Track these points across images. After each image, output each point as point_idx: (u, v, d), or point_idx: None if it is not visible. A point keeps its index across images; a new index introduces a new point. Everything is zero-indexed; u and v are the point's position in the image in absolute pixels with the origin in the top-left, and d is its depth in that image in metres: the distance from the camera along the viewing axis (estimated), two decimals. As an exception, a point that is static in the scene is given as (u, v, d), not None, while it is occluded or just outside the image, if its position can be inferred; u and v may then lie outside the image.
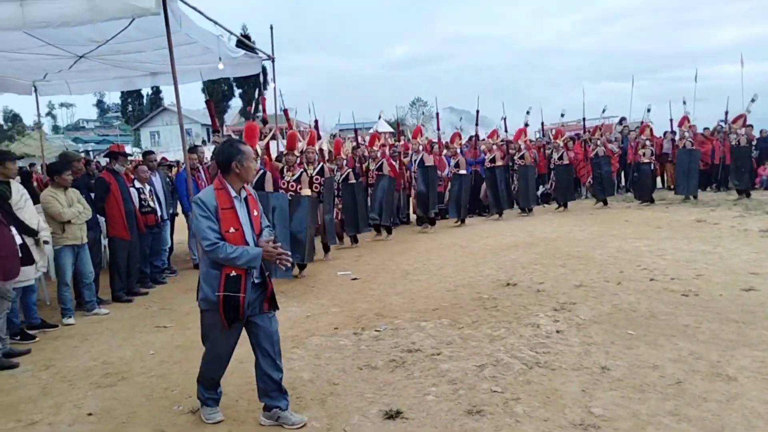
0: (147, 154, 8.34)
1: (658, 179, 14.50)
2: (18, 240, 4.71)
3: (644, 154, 12.12)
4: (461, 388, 3.64)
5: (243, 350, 4.29)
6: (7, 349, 4.69)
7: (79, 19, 5.21)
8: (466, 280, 6.47)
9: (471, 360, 4.09)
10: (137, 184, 7.15)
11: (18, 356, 4.72)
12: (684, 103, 12.77)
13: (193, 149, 8.24)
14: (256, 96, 9.29)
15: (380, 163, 10.12)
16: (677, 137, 12.90)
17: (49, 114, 76.03)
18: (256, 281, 3.21)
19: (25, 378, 4.30)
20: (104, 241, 7.01)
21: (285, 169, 7.48)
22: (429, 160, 10.34)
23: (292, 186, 7.34)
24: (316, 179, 7.79)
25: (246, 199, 3.23)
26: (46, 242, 5.37)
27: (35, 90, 9.51)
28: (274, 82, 10.89)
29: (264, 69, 10.40)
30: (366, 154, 10.52)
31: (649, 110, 13.60)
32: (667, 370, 3.71)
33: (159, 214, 7.40)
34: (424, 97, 57.78)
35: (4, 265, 4.45)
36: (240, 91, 41.62)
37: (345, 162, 9.42)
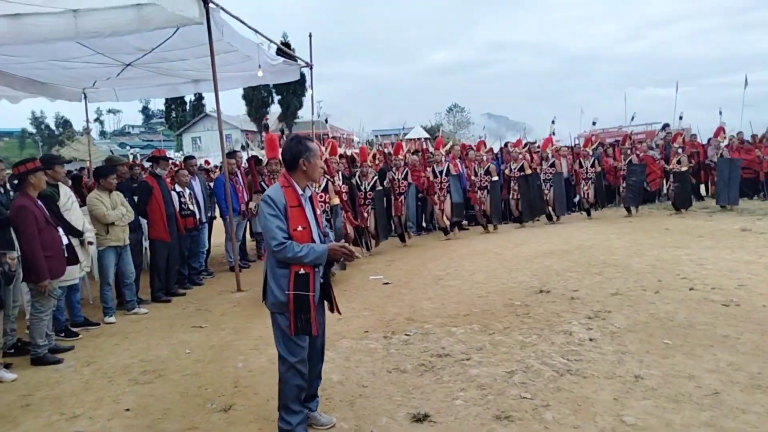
0: (188, 158, 8.60)
1: (702, 187, 14.03)
2: (65, 240, 4.93)
3: (680, 162, 11.78)
4: (490, 394, 3.62)
5: (275, 350, 4.37)
6: (52, 345, 4.91)
7: (127, 29, 5.46)
8: (498, 286, 6.41)
9: (501, 366, 4.07)
10: (178, 188, 7.38)
11: (62, 352, 4.93)
12: (720, 113, 12.35)
13: (231, 154, 8.45)
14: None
15: (405, 172, 9.98)
16: (712, 148, 12.52)
17: (97, 120, 79.18)
18: (321, 280, 3.15)
19: (68, 373, 4.50)
20: (145, 243, 7.26)
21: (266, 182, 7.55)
22: (452, 169, 10.27)
23: (321, 196, 7.15)
24: (321, 196, 7.27)
25: (310, 197, 3.18)
26: (90, 243, 5.62)
27: (85, 97, 9.94)
28: (312, 89, 11.09)
29: (303, 75, 10.59)
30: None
31: (681, 118, 13.21)
32: (704, 380, 3.60)
33: (198, 217, 7.61)
34: (462, 103, 57.55)
35: (51, 264, 4.67)
36: (279, 97, 42.33)
37: (370, 169, 9.23)
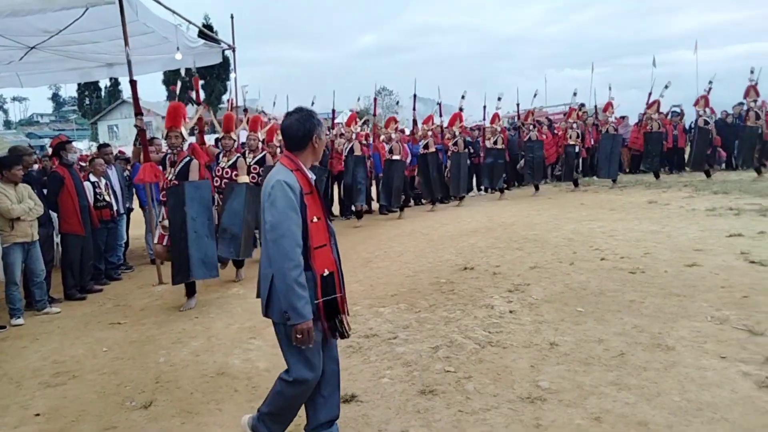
0: (102, 146, 8.12)
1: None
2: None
3: (570, 137, 12.49)
4: (415, 370, 3.71)
5: (198, 343, 4.31)
6: (-48, 352, 4.55)
7: (28, 9, 5.06)
8: (425, 265, 6.54)
9: (426, 342, 4.17)
10: (92, 178, 6.97)
11: (-36, 359, 4.58)
12: (609, 89, 13.12)
13: (150, 141, 8.05)
14: (191, 77, 8.68)
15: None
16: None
17: (0, 108, 73.23)
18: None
19: (-29, 380, 4.18)
20: (56, 238, 6.83)
21: (221, 155, 6.81)
22: (357, 149, 10.27)
23: (227, 172, 6.66)
24: (254, 168, 7.05)
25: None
26: (-9, 240, 5.21)
27: (-19, 83, 9.15)
28: (235, 72, 10.73)
29: (226, 59, 10.23)
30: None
31: (575, 94, 14.05)
32: (611, 343, 3.85)
33: (115, 208, 7.24)
34: (390, 87, 57.67)
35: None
36: (202, 81, 40.75)
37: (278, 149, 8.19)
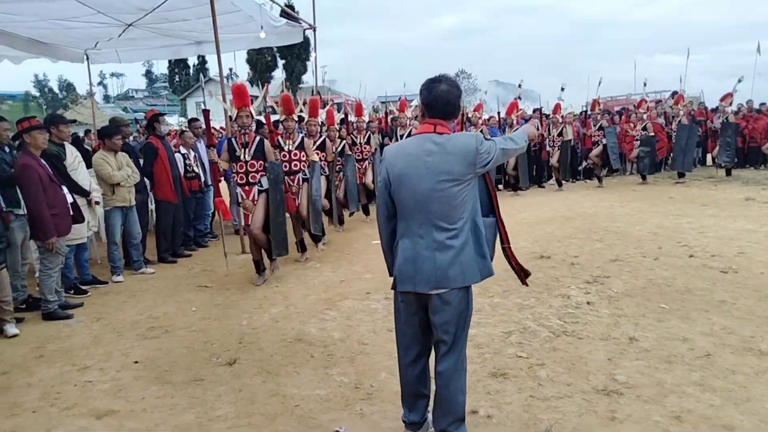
0: (192, 121, 8.59)
1: (708, 156, 13.94)
2: (69, 198, 4.99)
3: (645, 128, 11.84)
4: (487, 352, 3.72)
5: (277, 310, 4.50)
6: (62, 302, 5.03)
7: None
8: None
9: (498, 327, 4.16)
10: (182, 150, 7.40)
11: (72, 308, 5.06)
12: (740, 81, 12.09)
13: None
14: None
15: (368, 136, 9.20)
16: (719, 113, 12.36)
17: (100, 83, 78.61)
18: None
19: (78, 328, 4.63)
20: (151, 205, 7.33)
21: (281, 139, 6.58)
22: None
23: (295, 154, 6.53)
24: (295, 154, 6.64)
25: None
26: (97, 203, 5.70)
27: (87, 58, 9.87)
28: (315, 51, 10.97)
29: (306, 39, 10.45)
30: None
31: (600, 83, 12.83)
32: (697, 343, 3.68)
33: (203, 180, 7.66)
34: (469, 70, 56.61)
35: (57, 221, 4.74)
36: (283, 61, 41.76)
37: (337, 133, 8.17)
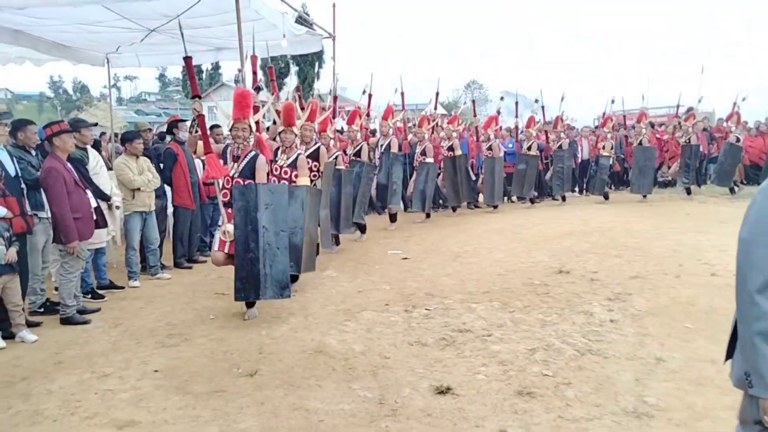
0: (213, 127, 8.58)
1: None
2: (93, 203, 5.01)
3: (604, 147, 11.64)
4: (511, 370, 3.67)
5: (297, 320, 4.47)
6: (80, 306, 5.03)
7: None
8: (517, 265, 6.42)
9: (522, 343, 4.10)
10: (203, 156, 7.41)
11: (90, 313, 5.06)
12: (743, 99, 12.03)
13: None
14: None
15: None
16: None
17: (114, 86, 79.23)
18: None
19: (96, 333, 4.62)
20: (169, 210, 7.34)
21: (279, 151, 5.88)
22: (394, 146, 9.33)
23: (286, 172, 5.76)
24: (308, 163, 6.07)
25: None
26: (117, 207, 5.71)
27: (107, 62, 9.94)
28: (334, 60, 10.99)
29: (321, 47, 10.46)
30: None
31: (613, 102, 12.76)
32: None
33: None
34: (481, 80, 56.78)
35: (80, 225, 4.75)
36: (297, 68, 42.02)
37: (332, 141, 7.53)
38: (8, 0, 5.88)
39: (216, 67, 51.23)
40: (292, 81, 42.63)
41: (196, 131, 5.05)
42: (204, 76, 53.74)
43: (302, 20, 10.62)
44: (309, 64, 40.96)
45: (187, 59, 5.01)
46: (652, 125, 13.92)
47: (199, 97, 4.99)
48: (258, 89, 6.34)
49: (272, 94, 7.31)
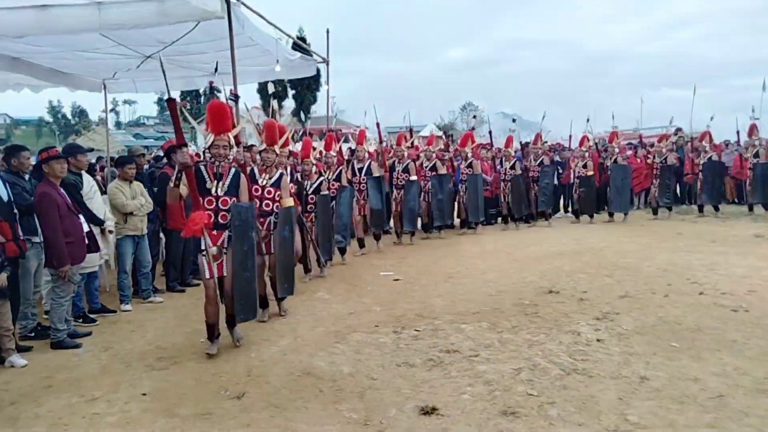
0: (250, 147, 8.59)
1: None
2: (85, 228, 5.07)
3: (585, 166, 11.45)
4: (497, 390, 3.70)
5: (286, 342, 4.51)
6: (71, 330, 5.05)
7: (149, 22, 5.57)
8: (508, 285, 6.47)
9: (508, 363, 4.13)
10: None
11: (81, 337, 5.08)
12: (753, 110, 12.16)
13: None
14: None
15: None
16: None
17: (113, 110, 79.93)
18: None
19: (86, 357, 4.64)
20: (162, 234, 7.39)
21: (257, 171, 5.82)
22: (376, 170, 9.12)
23: (269, 192, 5.72)
24: (269, 192, 5.81)
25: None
26: (110, 231, 5.76)
27: (104, 87, 10.10)
28: (328, 84, 11.18)
29: (317, 70, 10.66)
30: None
31: (588, 120, 12.64)
32: (709, 383, 3.64)
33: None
34: (477, 101, 57.37)
35: (72, 250, 4.80)
36: (293, 92, 42.49)
37: (314, 167, 7.37)
38: (5, 28, 6.03)
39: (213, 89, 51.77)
40: (289, 104, 43.08)
41: (176, 185, 4.51)
42: (202, 99, 54.25)
43: (298, 47, 10.84)
44: (306, 87, 41.43)
45: (170, 102, 4.54)
46: (644, 146, 14.08)
47: (185, 146, 4.58)
48: (236, 97, 6.05)
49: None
